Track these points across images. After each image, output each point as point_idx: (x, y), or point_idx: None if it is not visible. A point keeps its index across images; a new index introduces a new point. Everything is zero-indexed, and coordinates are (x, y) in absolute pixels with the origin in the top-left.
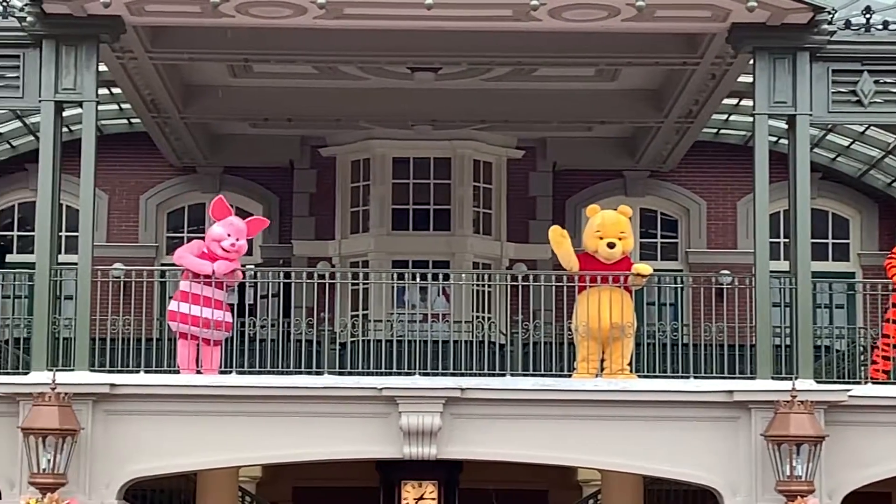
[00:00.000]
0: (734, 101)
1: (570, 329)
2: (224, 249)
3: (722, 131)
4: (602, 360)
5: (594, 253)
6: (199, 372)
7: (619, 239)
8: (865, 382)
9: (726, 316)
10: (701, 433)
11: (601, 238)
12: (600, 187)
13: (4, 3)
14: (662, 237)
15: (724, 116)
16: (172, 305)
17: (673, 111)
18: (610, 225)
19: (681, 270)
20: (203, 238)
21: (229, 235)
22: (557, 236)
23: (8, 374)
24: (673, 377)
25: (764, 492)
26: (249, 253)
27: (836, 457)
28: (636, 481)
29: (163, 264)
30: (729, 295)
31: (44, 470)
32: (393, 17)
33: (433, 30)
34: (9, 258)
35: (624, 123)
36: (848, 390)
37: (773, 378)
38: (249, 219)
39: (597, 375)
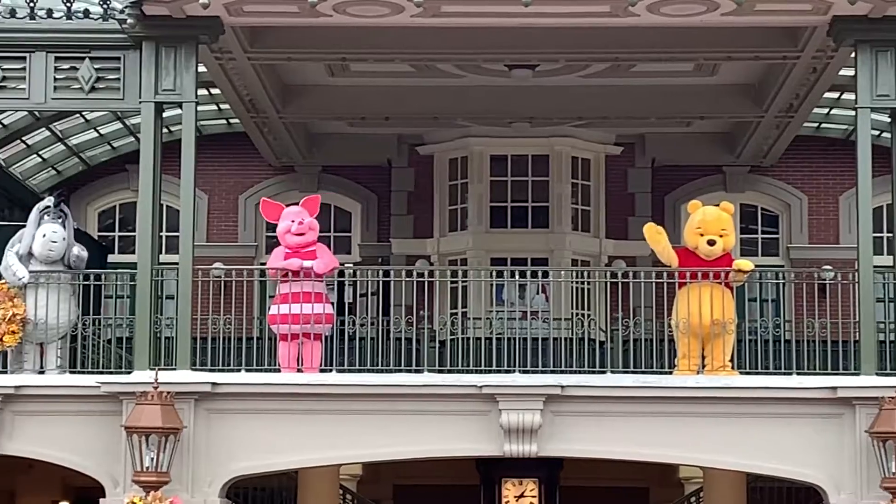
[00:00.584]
0: (835, 94)
1: (670, 326)
2: (297, 234)
3: (823, 125)
4: (703, 357)
5: (695, 249)
6: (299, 370)
7: (721, 236)
8: None
9: (829, 311)
10: (804, 430)
11: (702, 235)
12: (700, 183)
13: (105, 6)
14: (763, 233)
15: (826, 110)
16: (273, 309)
17: (773, 106)
18: (711, 222)
19: (782, 266)
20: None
21: (292, 221)
22: (653, 233)
23: (111, 373)
24: (775, 374)
25: (869, 489)
26: (348, 251)
27: None
28: (738, 479)
29: (262, 263)
30: (832, 290)
31: (147, 468)
32: (490, 15)
33: (530, 27)
34: (111, 258)
35: (723, 119)
36: None
37: (877, 374)
38: (303, 200)
39: (698, 372)
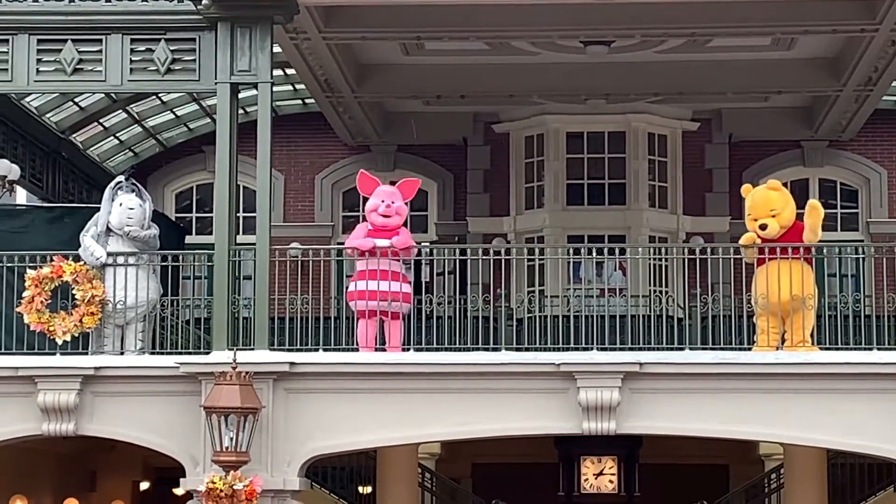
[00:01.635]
0: None
1: (749, 302)
2: (383, 216)
3: None
4: (783, 333)
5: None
6: (377, 349)
7: (772, 216)
8: None
9: None
10: (885, 405)
11: (755, 220)
12: (778, 158)
13: None
14: (842, 207)
15: None
16: (351, 286)
17: (852, 79)
18: (759, 205)
19: (862, 241)
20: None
21: (382, 202)
22: (810, 209)
23: (189, 353)
24: (855, 349)
25: None
26: (425, 230)
27: None
28: (819, 455)
29: (338, 243)
30: None
31: (226, 448)
32: None
33: (605, 3)
34: (188, 239)
35: (801, 93)
36: None
37: None
38: (400, 181)
39: (777, 348)
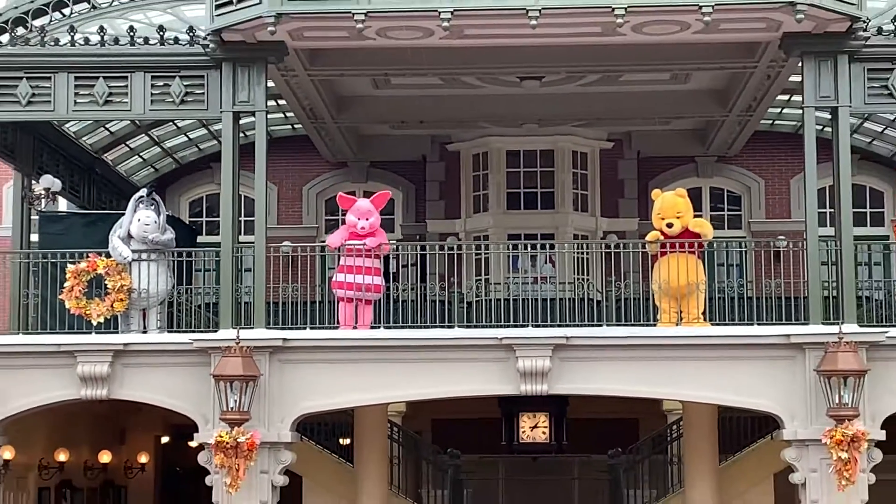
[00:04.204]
0: (786, 96)
1: (653, 287)
2: (361, 234)
3: (777, 122)
4: (680, 313)
5: (659, 230)
6: (354, 327)
7: (677, 218)
8: None
9: (783, 273)
10: (764, 370)
11: (662, 219)
12: (677, 171)
13: (191, 34)
14: (728, 210)
15: (778, 110)
16: (335, 277)
17: (736, 106)
18: (667, 207)
19: (744, 237)
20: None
21: (360, 219)
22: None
23: (201, 332)
24: (739, 324)
25: (817, 417)
26: (392, 230)
27: (877, 387)
28: (711, 410)
29: (322, 241)
30: (785, 256)
31: (231, 408)
32: (504, 36)
33: (537, 45)
34: (199, 239)
35: (695, 118)
36: (885, 332)
37: (823, 323)
38: (374, 196)
39: (676, 324)
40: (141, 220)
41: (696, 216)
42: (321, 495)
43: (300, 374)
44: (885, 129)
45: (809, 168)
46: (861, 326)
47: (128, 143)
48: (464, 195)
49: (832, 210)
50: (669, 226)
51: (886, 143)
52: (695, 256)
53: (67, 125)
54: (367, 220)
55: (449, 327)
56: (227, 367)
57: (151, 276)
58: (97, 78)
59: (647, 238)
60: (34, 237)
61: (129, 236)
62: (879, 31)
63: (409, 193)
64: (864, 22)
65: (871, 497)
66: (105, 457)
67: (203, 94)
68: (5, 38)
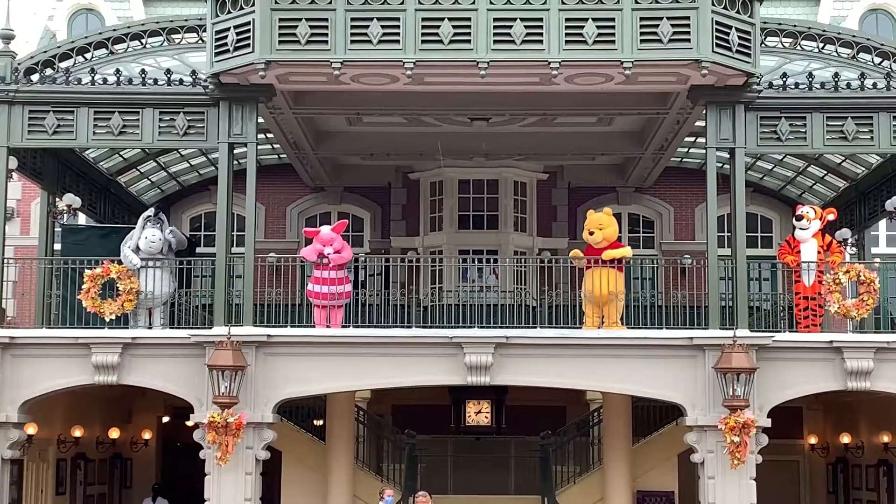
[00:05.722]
0: (692, 138)
1: (580, 296)
2: (331, 260)
3: (684, 159)
4: (602, 317)
5: (586, 239)
6: (328, 326)
7: (599, 229)
8: (785, 331)
9: (688, 286)
10: (671, 366)
11: (588, 230)
12: (601, 199)
13: (193, 77)
14: (643, 232)
15: (686, 149)
16: (310, 286)
17: (650, 146)
18: (593, 221)
19: (656, 255)
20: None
21: (325, 245)
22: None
23: (198, 328)
24: (651, 328)
25: (714, 406)
26: (361, 245)
27: (765, 382)
28: (626, 400)
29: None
30: (689, 272)
31: (222, 393)
32: (458, 83)
33: (485, 91)
34: (198, 250)
35: (616, 155)
36: (772, 336)
37: (720, 328)
38: (334, 224)
39: (598, 327)
40: (147, 237)
41: (618, 238)
42: (297, 468)
43: (282, 364)
44: (774, 167)
45: (711, 198)
46: (752, 331)
47: (138, 167)
48: (422, 216)
49: (729, 234)
50: (591, 234)
51: (775, 178)
52: (615, 270)
53: (87, 152)
54: (331, 244)
55: (408, 327)
56: (220, 359)
57: (156, 280)
58: (113, 112)
59: (571, 255)
60: (57, 246)
61: (138, 248)
62: (770, 85)
63: (376, 214)
64: (758, 77)
65: (757, 474)
66: (114, 433)
67: (203, 127)
68: (35, 77)
